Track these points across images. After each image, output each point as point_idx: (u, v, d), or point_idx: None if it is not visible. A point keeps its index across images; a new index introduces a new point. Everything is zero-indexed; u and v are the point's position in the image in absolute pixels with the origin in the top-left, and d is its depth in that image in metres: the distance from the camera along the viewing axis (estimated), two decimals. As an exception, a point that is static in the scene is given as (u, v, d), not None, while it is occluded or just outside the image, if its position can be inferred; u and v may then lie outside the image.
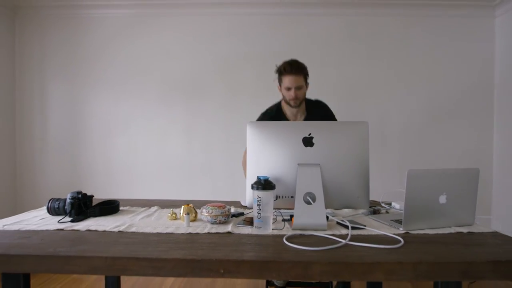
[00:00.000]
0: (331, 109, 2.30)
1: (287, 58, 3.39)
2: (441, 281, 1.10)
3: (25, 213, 1.60)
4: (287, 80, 2.11)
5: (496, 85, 3.38)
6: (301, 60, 3.41)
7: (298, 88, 2.12)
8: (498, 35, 3.35)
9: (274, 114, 2.21)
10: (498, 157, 3.34)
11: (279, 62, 2.24)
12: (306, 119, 2.21)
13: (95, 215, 1.54)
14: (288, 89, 2.12)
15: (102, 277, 2.73)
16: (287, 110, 2.24)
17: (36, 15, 3.43)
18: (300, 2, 3.31)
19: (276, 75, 2.25)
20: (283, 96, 2.22)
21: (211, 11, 3.38)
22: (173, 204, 1.75)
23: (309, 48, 3.39)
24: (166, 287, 2.65)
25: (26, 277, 1.17)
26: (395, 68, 3.41)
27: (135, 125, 3.44)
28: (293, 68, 2.12)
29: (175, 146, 3.43)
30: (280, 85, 2.23)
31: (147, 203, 1.82)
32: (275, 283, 2.31)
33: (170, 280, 2.79)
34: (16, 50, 3.45)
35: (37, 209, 1.70)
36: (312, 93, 3.11)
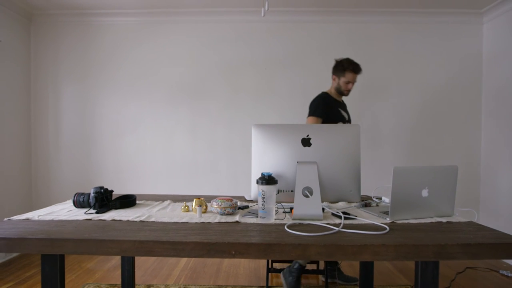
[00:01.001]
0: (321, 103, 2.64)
1: (287, 62, 3.60)
2: (421, 261, 1.28)
3: (52, 206, 1.78)
4: (350, 76, 2.60)
5: (484, 87, 3.55)
6: (299, 64, 3.65)
7: (354, 83, 2.64)
8: (486, 40, 3.53)
9: (330, 99, 2.68)
10: (485, 154, 3.52)
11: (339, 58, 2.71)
12: None
13: (116, 208, 1.72)
14: (348, 83, 2.62)
15: (115, 268, 2.94)
16: (334, 96, 2.73)
17: (50, 22, 3.61)
18: (298, 10, 3.48)
19: (331, 69, 2.74)
20: (339, 86, 2.66)
21: (214, 19, 3.55)
22: (183, 199, 1.94)
23: (307, 53, 3.57)
24: (174, 275, 2.83)
25: (62, 258, 1.35)
26: (388, 72, 3.59)
27: (143, 125, 3.62)
28: (357, 68, 2.61)
29: (181, 145, 3.61)
30: (338, 77, 2.66)
31: (160, 198, 2.00)
32: (299, 263, 2.46)
33: (179, 268, 2.99)
34: (31, 55, 3.63)
35: (61, 203, 1.88)
36: (312, 96, 3.30)
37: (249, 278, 2.80)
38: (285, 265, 2.83)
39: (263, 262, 3.16)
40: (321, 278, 2.84)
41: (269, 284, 2.65)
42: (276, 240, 1.19)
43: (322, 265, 2.85)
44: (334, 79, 2.70)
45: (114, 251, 1.20)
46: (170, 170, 3.60)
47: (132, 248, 1.19)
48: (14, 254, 3.34)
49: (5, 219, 1.51)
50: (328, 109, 2.58)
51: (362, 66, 3.59)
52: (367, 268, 2.07)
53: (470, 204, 3.58)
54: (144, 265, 3.09)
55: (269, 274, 2.70)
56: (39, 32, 3.63)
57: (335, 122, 2.57)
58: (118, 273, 2.90)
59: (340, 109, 2.65)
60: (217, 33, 3.59)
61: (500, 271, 2.94)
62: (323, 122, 2.51)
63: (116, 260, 3.21)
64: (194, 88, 3.61)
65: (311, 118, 2.54)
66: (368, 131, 3.57)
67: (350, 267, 3.02)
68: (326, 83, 3.51)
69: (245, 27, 3.57)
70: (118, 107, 3.63)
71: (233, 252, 1.16)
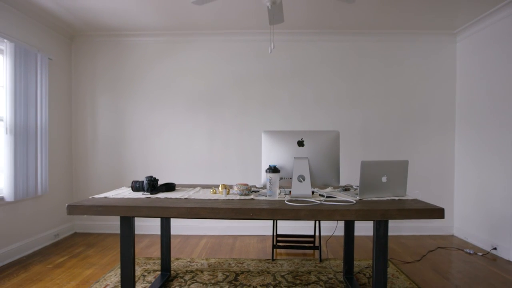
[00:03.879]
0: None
1: (289, 75, 4.23)
2: (374, 220, 1.89)
3: (115, 190, 2.43)
4: None
5: (457, 98, 4.15)
6: (299, 77, 4.30)
7: None
8: (458, 56, 4.14)
9: None
10: (459, 155, 4.12)
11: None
12: None
13: (162, 191, 2.37)
14: None
15: (146, 247, 3.57)
16: None
17: (88, 42, 4.28)
18: (298, 32, 4.10)
19: None
20: None
21: (227, 38, 4.19)
22: (208, 186, 2.58)
23: (306, 67, 4.20)
24: (197, 251, 3.47)
25: (133, 220, 1.99)
26: (375, 84, 4.20)
27: (167, 129, 4.27)
28: None
29: (199, 146, 4.25)
30: None
31: (191, 186, 2.65)
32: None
33: (200, 246, 3.63)
34: (72, 70, 4.30)
35: (119, 188, 2.52)
36: (311, 103, 3.97)
37: (258, 254, 3.43)
38: (287, 244, 3.46)
39: (269, 243, 3.79)
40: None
41: (274, 257, 3.29)
42: (279, 207, 1.83)
43: (317, 242, 3.48)
44: None
45: (173, 213, 1.84)
46: (190, 167, 4.24)
47: (185, 212, 1.83)
48: (62, 236, 4.01)
49: (90, 197, 2.15)
50: None
51: (353, 79, 4.26)
52: (349, 243, 2.70)
53: (446, 193, 4.19)
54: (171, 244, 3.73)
55: (274, 249, 3.33)
56: (79, 50, 4.30)
57: None
58: (149, 250, 3.55)
59: None
60: (230, 50, 4.23)
61: (465, 250, 3.55)
62: None
63: (146, 241, 3.86)
64: (210, 97, 4.25)
65: None
66: (358, 134, 4.19)
67: (338, 244, 3.62)
68: (323, 94, 4.16)
69: (254, 46, 4.21)
70: (145, 114, 4.28)
71: (251, 214, 1.80)
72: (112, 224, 4.23)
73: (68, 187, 4.22)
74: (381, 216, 1.80)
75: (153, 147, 4.27)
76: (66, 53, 4.19)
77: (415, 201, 2.02)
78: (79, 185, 4.30)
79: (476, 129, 3.79)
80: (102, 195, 2.21)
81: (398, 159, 4.12)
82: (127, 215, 1.88)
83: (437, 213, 1.79)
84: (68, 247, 3.67)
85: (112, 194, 2.27)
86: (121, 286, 1.98)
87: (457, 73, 4.16)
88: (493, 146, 3.52)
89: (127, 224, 1.98)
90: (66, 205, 2.01)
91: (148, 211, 1.86)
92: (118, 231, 4.21)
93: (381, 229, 1.91)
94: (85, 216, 4.25)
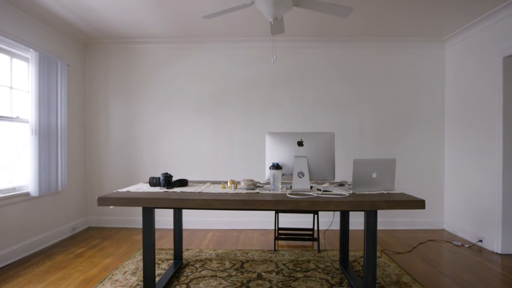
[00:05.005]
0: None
1: (289, 80, 4.48)
2: (364, 211, 2.17)
3: (134, 185, 2.71)
4: None
5: (446, 101, 4.43)
6: (298, 81, 4.57)
7: None
8: (447, 62, 4.41)
9: None
10: (448, 155, 4.40)
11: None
12: None
13: (177, 186, 2.65)
14: None
15: (158, 239, 3.84)
16: None
17: (101, 48, 4.56)
18: (297, 39, 4.37)
19: None
20: None
21: (232, 45, 4.47)
22: (217, 182, 2.86)
23: (305, 72, 4.48)
24: (204, 243, 3.75)
25: (153, 211, 2.27)
26: (370, 88, 4.48)
27: (175, 129, 4.55)
28: None
29: (205, 145, 4.53)
30: None
31: (201, 182, 2.93)
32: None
33: (207, 239, 3.92)
34: (86, 74, 4.58)
35: (137, 184, 2.80)
36: (310, 106, 4.24)
37: (261, 245, 3.71)
38: (289, 237, 3.74)
39: (271, 236, 4.07)
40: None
41: (276, 248, 3.57)
42: (281, 199, 2.11)
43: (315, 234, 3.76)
44: None
45: (191, 205, 2.12)
46: (197, 165, 4.52)
47: (201, 203, 2.11)
48: (78, 230, 4.30)
49: (114, 191, 2.43)
50: None
51: (349, 83, 4.54)
52: (344, 235, 2.98)
53: (437, 190, 4.47)
54: (179, 237, 4.01)
55: (276, 241, 3.62)
56: (92, 56, 4.58)
57: None
58: (160, 242, 3.83)
59: None
60: (234, 56, 4.51)
61: (453, 242, 3.83)
62: None
63: (156, 235, 4.14)
64: (216, 99, 4.53)
65: None
66: (354, 135, 4.47)
67: (335, 237, 3.90)
68: (321, 97, 4.43)
69: (257, 52, 4.49)
70: (154, 115, 4.56)
71: (258, 205, 2.09)
72: (123, 218, 4.51)
73: (83, 184, 4.50)
74: (370, 207, 2.08)
75: (162, 146, 4.55)
76: (81, 59, 4.47)
77: (401, 194, 2.30)
78: (93, 182, 4.58)
79: (464, 130, 4.06)
80: (124, 189, 2.49)
81: (391, 158, 4.41)
82: (150, 206, 2.16)
83: (419, 204, 2.07)
84: (85, 239, 3.95)
85: (133, 188, 2.55)
86: (144, 266, 2.26)
87: (446, 78, 4.43)
88: (479, 146, 3.79)
89: (148, 214, 2.26)
90: (97, 197, 2.29)
91: (169, 202, 2.15)
92: (129, 225, 4.52)
93: (370, 218, 2.19)
94: (100, 210, 4.55)
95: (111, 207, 3.07)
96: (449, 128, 4.40)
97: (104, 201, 2.16)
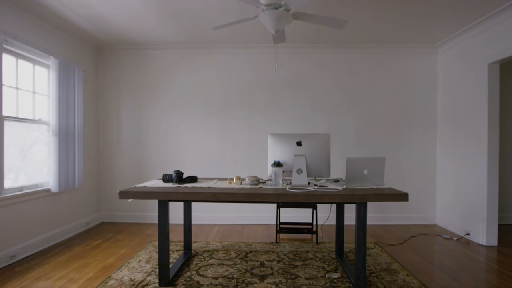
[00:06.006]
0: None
1: (290, 83, 4.75)
2: (355, 202, 2.45)
3: (149, 181, 2.99)
4: None
5: (439, 103, 4.70)
6: (298, 84, 4.84)
7: None
8: (440, 66, 4.68)
9: None
10: (440, 154, 4.66)
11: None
12: None
13: (187, 182, 2.93)
14: None
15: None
16: None
17: (113, 54, 4.85)
18: (297, 45, 4.65)
19: None
20: None
21: (236, 51, 4.75)
22: (224, 179, 3.15)
23: (304, 76, 4.75)
24: (211, 236, 4.04)
25: (168, 203, 2.56)
26: (366, 91, 4.75)
27: (182, 130, 4.84)
28: None
29: (212, 145, 4.82)
30: None
31: (209, 178, 3.21)
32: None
33: (213, 233, 4.20)
34: (99, 78, 4.88)
35: (152, 180, 3.09)
36: (309, 108, 4.49)
37: (264, 238, 3.99)
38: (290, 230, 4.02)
39: (273, 230, 4.35)
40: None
41: (277, 241, 3.85)
42: (282, 193, 2.39)
43: (314, 227, 4.04)
44: None
45: (201, 198, 2.40)
46: (203, 163, 4.81)
47: (210, 196, 2.40)
48: (92, 225, 4.59)
49: (132, 186, 2.71)
50: None
51: (346, 86, 4.80)
52: (340, 228, 3.26)
53: (429, 187, 4.74)
54: (187, 231, 4.29)
55: (278, 234, 3.90)
56: (105, 61, 4.87)
57: None
58: (170, 236, 4.11)
59: None
60: (239, 61, 4.79)
61: (443, 235, 4.10)
62: None
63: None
64: (221, 102, 4.81)
65: None
66: (350, 135, 4.74)
67: (332, 232, 4.17)
68: (319, 99, 4.71)
69: (259, 58, 4.76)
70: (164, 116, 4.85)
71: (261, 198, 2.37)
72: (134, 214, 4.80)
73: (96, 181, 4.79)
74: (360, 199, 2.35)
75: (170, 146, 4.84)
76: (94, 64, 4.77)
77: (389, 189, 2.58)
78: (105, 180, 4.87)
79: (454, 131, 4.33)
80: (141, 185, 2.77)
81: (386, 157, 4.69)
82: (165, 199, 2.45)
83: (403, 196, 2.34)
84: (99, 233, 4.24)
85: (149, 184, 2.83)
86: (159, 252, 2.55)
87: (439, 82, 4.70)
88: (467, 147, 4.06)
89: (164, 205, 2.54)
90: (118, 191, 2.58)
91: (182, 196, 2.43)
92: (140, 221, 4.81)
93: (361, 209, 2.46)
94: (112, 207, 4.83)
95: (130, 200, 3.35)
96: (440, 130, 4.66)
97: (125, 194, 2.44)
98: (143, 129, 4.87)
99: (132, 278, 2.75)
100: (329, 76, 4.76)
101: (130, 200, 2.69)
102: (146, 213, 4.82)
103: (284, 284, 2.65)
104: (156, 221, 4.73)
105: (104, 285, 2.62)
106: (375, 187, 2.65)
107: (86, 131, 4.52)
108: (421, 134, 4.75)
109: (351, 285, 2.63)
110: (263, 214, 4.73)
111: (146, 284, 2.63)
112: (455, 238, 4.00)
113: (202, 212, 4.74)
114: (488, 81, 3.69)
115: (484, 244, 3.73)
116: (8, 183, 3.25)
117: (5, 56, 3.20)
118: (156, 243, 3.75)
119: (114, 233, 4.23)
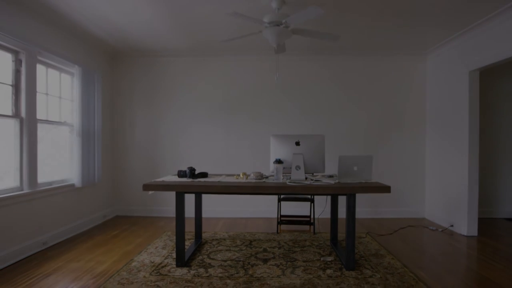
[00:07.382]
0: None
1: (290, 88, 5.14)
2: (346, 194, 2.85)
3: (166, 176, 3.39)
4: None
5: (427, 106, 5.09)
6: (299, 89, 5.24)
7: None
8: (429, 72, 5.07)
9: None
10: (428, 153, 5.05)
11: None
12: None
13: (199, 177, 3.33)
14: None
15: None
16: None
17: (127, 60, 5.26)
18: (298, 53, 5.05)
19: None
20: None
21: (241, 58, 5.15)
22: (231, 175, 3.55)
23: (304, 82, 5.15)
24: (217, 228, 4.44)
25: (184, 195, 2.96)
26: (360, 95, 5.14)
27: (191, 130, 5.24)
28: None
29: (218, 144, 5.22)
30: None
31: (218, 174, 3.61)
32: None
33: (219, 225, 4.60)
34: (113, 84, 5.28)
35: (167, 176, 3.49)
36: (308, 110, 4.88)
37: (266, 229, 4.39)
38: (291, 221, 4.42)
39: (274, 222, 4.75)
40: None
41: (278, 231, 4.25)
42: (282, 185, 2.79)
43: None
44: None
45: (213, 190, 2.81)
46: (211, 161, 5.20)
47: (221, 189, 2.80)
48: (108, 218, 5.00)
49: (152, 180, 3.12)
50: None
51: (342, 90, 5.18)
52: (334, 219, 3.65)
53: (419, 183, 5.13)
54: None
55: (278, 225, 4.30)
56: (119, 67, 5.28)
57: None
58: (181, 227, 4.51)
59: None
60: (243, 67, 5.19)
61: (429, 227, 4.49)
62: None
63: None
64: (227, 105, 5.21)
65: None
66: (345, 136, 5.14)
67: (328, 224, 4.56)
68: (317, 102, 5.10)
69: (262, 65, 5.16)
70: (174, 118, 5.25)
71: (264, 190, 2.77)
72: (146, 208, 5.21)
73: (112, 177, 5.20)
74: (349, 191, 2.76)
75: (180, 145, 5.24)
76: (110, 70, 5.17)
77: (375, 182, 2.97)
78: (120, 176, 5.28)
79: (441, 132, 4.71)
80: (160, 179, 3.18)
81: (379, 157, 5.08)
82: (182, 191, 2.85)
83: (386, 189, 2.74)
84: (116, 225, 4.65)
85: (166, 179, 3.24)
86: (176, 236, 2.95)
87: (427, 86, 5.09)
88: (452, 145, 4.44)
89: (181, 197, 2.94)
90: (142, 184, 2.98)
91: (197, 188, 2.84)
92: (152, 214, 5.22)
93: (351, 200, 2.86)
94: (126, 201, 5.23)
95: (150, 192, 3.74)
96: (429, 130, 5.06)
97: (148, 187, 2.85)
98: (154, 130, 5.27)
99: (152, 261, 3.16)
100: (325, 81, 5.16)
101: (150, 192, 3.06)
102: (158, 207, 5.22)
103: (284, 265, 3.05)
104: (167, 215, 5.14)
105: (129, 265, 3.03)
106: (364, 181, 3.05)
107: (103, 132, 4.92)
108: (411, 135, 5.14)
109: (342, 266, 3.03)
110: (265, 208, 5.13)
111: (165, 265, 3.03)
112: (440, 230, 4.39)
113: (209, 207, 5.14)
114: (469, 87, 4.07)
115: (465, 234, 4.12)
116: (40, 178, 3.65)
117: (38, 66, 3.60)
118: (169, 233, 4.16)
119: (130, 225, 4.64)
